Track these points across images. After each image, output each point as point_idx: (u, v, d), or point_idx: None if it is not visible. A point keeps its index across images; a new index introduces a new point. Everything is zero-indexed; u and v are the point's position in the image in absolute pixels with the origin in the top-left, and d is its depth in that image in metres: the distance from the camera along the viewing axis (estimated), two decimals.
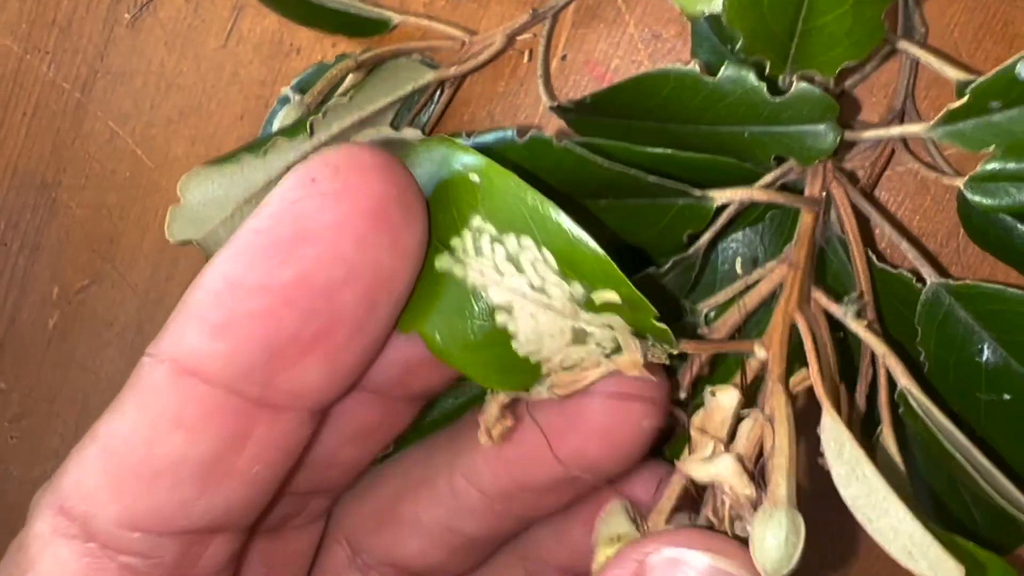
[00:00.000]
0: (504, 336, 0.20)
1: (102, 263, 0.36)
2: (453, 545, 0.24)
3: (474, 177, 0.19)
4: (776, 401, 0.21)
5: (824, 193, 0.26)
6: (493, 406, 0.22)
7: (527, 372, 0.20)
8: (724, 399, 0.22)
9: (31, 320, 0.36)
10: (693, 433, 0.22)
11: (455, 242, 0.19)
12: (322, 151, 0.18)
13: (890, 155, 0.29)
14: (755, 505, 0.20)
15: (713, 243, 0.28)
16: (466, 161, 0.19)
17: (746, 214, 0.29)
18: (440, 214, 0.19)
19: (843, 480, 0.21)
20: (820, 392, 0.22)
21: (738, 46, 0.24)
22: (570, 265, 0.19)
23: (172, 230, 0.27)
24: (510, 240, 0.19)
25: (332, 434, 0.22)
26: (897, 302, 0.27)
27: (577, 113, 0.28)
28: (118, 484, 0.18)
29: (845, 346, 0.29)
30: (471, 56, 0.30)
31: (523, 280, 0.19)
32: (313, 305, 0.18)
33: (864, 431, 0.27)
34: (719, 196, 0.25)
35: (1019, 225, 0.27)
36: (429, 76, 0.29)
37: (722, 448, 0.21)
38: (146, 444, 0.18)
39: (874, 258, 0.27)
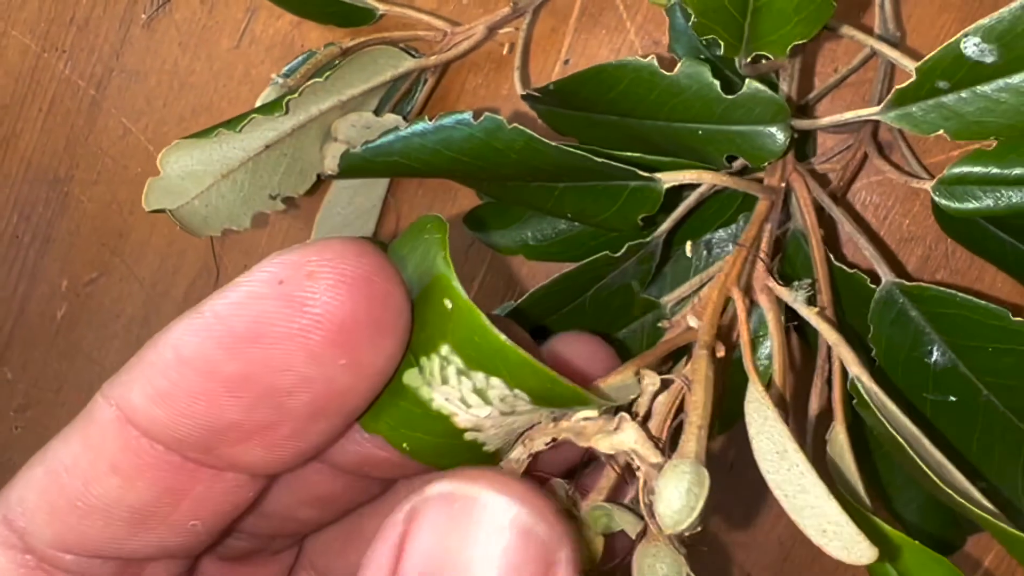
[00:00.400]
0: (475, 447, 0.19)
1: (111, 256, 0.37)
2: None
3: (448, 303, 0.17)
4: (697, 363, 0.21)
5: (783, 184, 0.26)
6: None
7: (500, 458, 0.20)
8: (647, 383, 0.21)
9: (39, 311, 0.37)
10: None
11: (424, 362, 0.18)
12: (311, 246, 0.17)
13: (863, 159, 0.29)
14: None
15: (672, 238, 0.28)
16: (440, 269, 0.17)
17: (716, 213, 0.29)
18: (418, 324, 0.18)
19: (763, 454, 0.21)
20: (748, 364, 0.22)
21: (690, 23, 0.24)
22: (543, 399, 0.18)
23: (148, 200, 0.28)
24: (478, 376, 0.18)
25: (289, 496, 0.21)
26: (858, 301, 0.27)
27: (544, 103, 0.28)
28: (54, 510, 0.18)
29: (807, 343, 0.29)
30: (452, 46, 0.30)
31: (492, 410, 0.18)
32: (256, 402, 0.17)
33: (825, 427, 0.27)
34: (667, 178, 0.25)
35: (990, 225, 0.27)
36: (408, 64, 0.30)
37: (628, 418, 0.20)
38: (84, 481, 0.18)
39: (832, 257, 0.27)
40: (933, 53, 0.22)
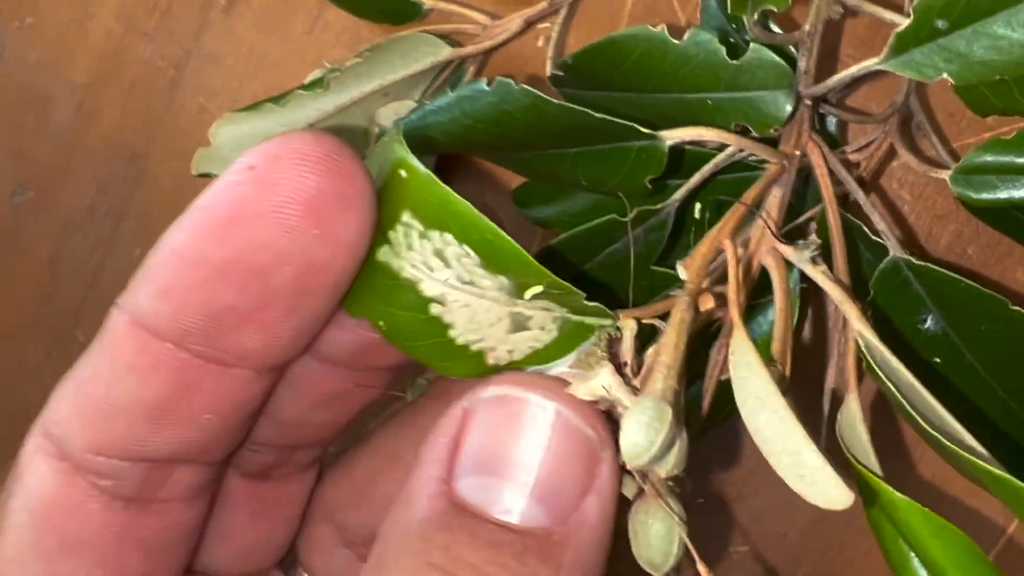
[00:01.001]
0: (440, 326, 0.20)
1: None
2: None
3: (403, 173, 0.19)
4: (677, 307, 0.21)
5: (798, 152, 0.26)
6: None
7: (471, 359, 0.21)
8: (625, 325, 0.21)
9: (113, 280, 0.40)
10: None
11: (391, 235, 0.20)
12: (275, 138, 0.19)
13: (889, 148, 0.29)
14: None
15: (685, 208, 0.28)
16: (398, 152, 0.19)
17: (733, 187, 0.29)
18: (382, 207, 0.20)
19: (744, 399, 0.21)
20: (733, 312, 0.22)
21: None
22: (491, 260, 0.19)
23: (196, 165, 0.30)
24: (435, 236, 0.19)
25: (299, 398, 0.23)
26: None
27: (568, 84, 0.29)
28: (84, 416, 0.20)
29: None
30: (490, 38, 0.32)
31: (452, 274, 0.19)
32: (245, 283, 0.18)
33: None
34: (668, 135, 0.25)
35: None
36: (447, 52, 0.32)
37: (606, 363, 0.20)
38: (105, 384, 0.20)
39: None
40: None
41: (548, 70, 0.31)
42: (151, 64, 0.38)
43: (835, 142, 0.30)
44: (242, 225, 0.18)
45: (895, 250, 0.26)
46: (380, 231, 0.20)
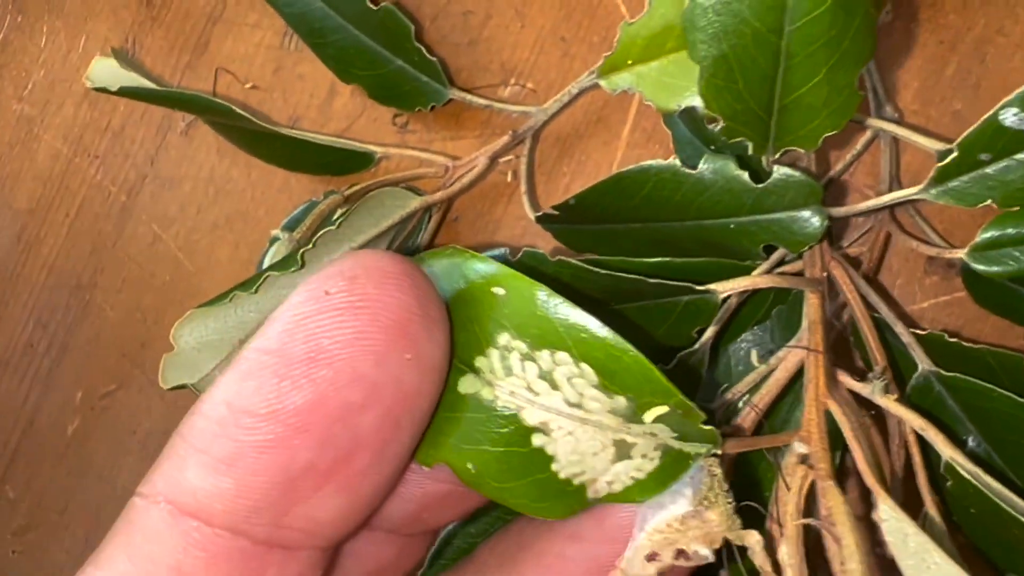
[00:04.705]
0: (543, 459, 0.18)
1: (131, 368, 0.35)
2: None
3: (498, 291, 0.17)
4: (833, 502, 0.20)
5: (824, 274, 0.26)
6: None
7: (571, 496, 0.18)
8: (753, 541, 0.20)
9: (50, 424, 0.35)
10: None
11: (480, 362, 0.18)
12: (335, 261, 0.17)
13: (887, 239, 0.29)
14: None
15: (718, 342, 0.27)
16: (482, 270, 0.18)
17: (750, 312, 0.28)
18: (460, 333, 0.18)
19: (914, 571, 0.20)
20: (871, 482, 0.21)
21: (719, 129, 0.24)
22: (611, 378, 0.17)
23: (165, 377, 0.27)
24: (543, 356, 0.17)
25: (345, 575, 0.20)
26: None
27: (563, 221, 0.28)
28: None
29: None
30: (456, 180, 0.30)
31: (559, 397, 0.18)
32: (330, 431, 0.16)
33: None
34: (722, 288, 0.24)
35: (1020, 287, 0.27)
36: (416, 203, 0.29)
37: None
38: None
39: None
40: (972, 128, 0.23)
41: (527, 207, 0.30)
42: (101, 188, 0.34)
43: (831, 237, 0.30)
44: (326, 360, 0.16)
45: (923, 363, 0.26)
46: (459, 361, 0.18)
